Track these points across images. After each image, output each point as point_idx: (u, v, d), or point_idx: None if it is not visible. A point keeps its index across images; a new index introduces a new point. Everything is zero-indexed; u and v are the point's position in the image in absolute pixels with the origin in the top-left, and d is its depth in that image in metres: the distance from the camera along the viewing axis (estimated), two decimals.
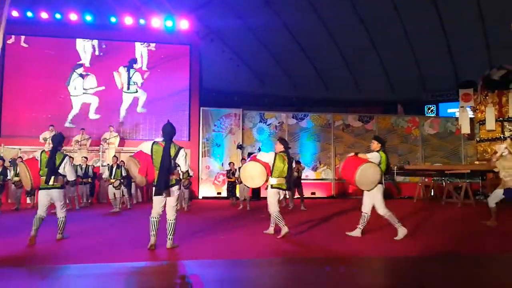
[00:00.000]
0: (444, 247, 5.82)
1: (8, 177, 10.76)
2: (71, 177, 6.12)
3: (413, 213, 10.15)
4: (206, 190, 15.47)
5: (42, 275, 4.32)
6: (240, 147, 15.56)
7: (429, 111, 20.72)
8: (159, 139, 5.57)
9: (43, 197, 5.97)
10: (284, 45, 18.49)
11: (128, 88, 15.47)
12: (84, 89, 15.16)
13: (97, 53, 15.45)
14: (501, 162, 7.81)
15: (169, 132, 5.39)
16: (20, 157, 11.62)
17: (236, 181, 12.03)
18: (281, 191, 6.43)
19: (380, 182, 6.42)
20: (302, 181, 12.11)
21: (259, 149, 15.90)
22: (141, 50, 15.81)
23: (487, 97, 14.74)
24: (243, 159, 12.69)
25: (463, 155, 17.19)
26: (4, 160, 10.98)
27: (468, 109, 15.77)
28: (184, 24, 15.73)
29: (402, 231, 6.21)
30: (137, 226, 7.58)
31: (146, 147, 5.38)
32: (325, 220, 9.19)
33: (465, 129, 15.39)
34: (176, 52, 16.00)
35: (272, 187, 6.40)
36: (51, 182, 5.88)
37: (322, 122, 16.76)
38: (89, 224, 7.85)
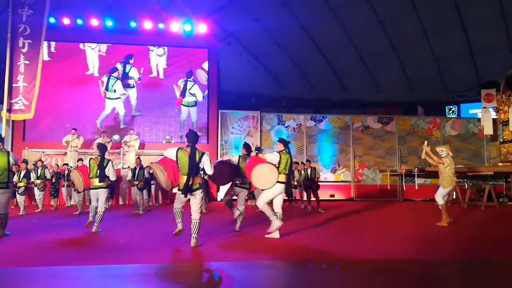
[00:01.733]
0: (466, 251, 5.70)
1: (31, 180, 11.00)
2: (113, 177, 7.28)
3: (434, 216, 9.99)
4: (224, 192, 15.49)
5: (67, 275, 4.40)
6: (258, 149, 15.40)
7: (450, 112, 20.36)
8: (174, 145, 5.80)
9: (93, 195, 7.26)
10: (302, 46, 18.46)
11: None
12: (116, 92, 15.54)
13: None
14: None
15: (192, 138, 5.71)
16: (41, 160, 11.86)
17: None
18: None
19: (281, 182, 6.36)
20: (320, 183, 12.03)
21: None
22: (156, 60, 15.98)
23: (510, 97, 14.42)
24: None
25: (486, 156, 16.84)
26: (27, 163, 11.23)
27: (491, 109, 15.47)
28: (202, 28, 15.86)
29: (276, 224, 6.36)
30: (161, 227, 7.66)
31: (171, 153, 5.68)
32: (342, 222, 9.11)
33: (488, 130, 15.08)
34: (194, 56, 16.13)
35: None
36: (100, 183, 7.03)
37: (340, 124, 16.64)
38: (113, 226, 7.96)
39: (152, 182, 11.88)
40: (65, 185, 11.80)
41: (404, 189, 15.27)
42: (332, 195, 15.73)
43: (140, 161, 11.10)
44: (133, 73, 15.74)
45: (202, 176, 5.85)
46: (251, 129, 16.02)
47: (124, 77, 15.61)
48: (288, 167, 6.41)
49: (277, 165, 6.34)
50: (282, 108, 18.15)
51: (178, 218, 5.83)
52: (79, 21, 15.15)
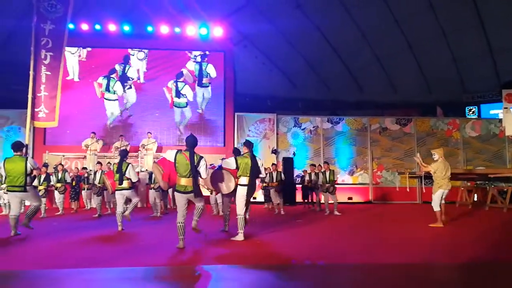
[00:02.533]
0: (489, 254, 5.56)
1: (52, 183, 11.17)
2: (134, 179, 7.86)
3: (456, 219, 9.81)
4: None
5: (86, 278, 4.44)
6: (274, 152, 15.55)
7: (470, 112, 19.96)
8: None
9: (119, 197, 7.79)
10: (317, 48, 18.36)
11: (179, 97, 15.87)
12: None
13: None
14: None
15: (192, 142, 5.87)
16: (61, 164, 12.05)
17: (269, 185, 11.99)
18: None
19: (242, 184, 6.54)
20: (337, 185, 11.92)
21: (294, 154, 15.85)
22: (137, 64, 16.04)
23: None
24: (273, 164, 12.63)
25: (508, 158, 16.46)
26: (47, 167, 11.42)
27: None
28: (218, 31, 15.94)
29: (239, 237, 6.41)
30: (174, 231, 7.66)
31: (170, 155, 5.85)
32: (359, 225, 9.02)
33: (510, 131, 14.73)
34: (210, 59, 16.20)
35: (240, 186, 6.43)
36: (123, 185, 7.69)
37: (358, 126, 16.50)
38: (132, 228, 8.02)
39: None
40: (85, 188, 11.96)
41: (424, 191, 15.02)
42: (350, 198, 15.59)
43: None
44: (132, 73, 15.86)
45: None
46: (268, 131, 16.01)
47: (123, 78, 15.77)
48: (250, 169, 6.49)
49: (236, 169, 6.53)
50: (298, 110, 18.08)
51: (181, 235, 5.82)
52: (98, 27, 15.38)
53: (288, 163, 14.79)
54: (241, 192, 6.56)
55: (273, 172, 11.74)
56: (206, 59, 16.16)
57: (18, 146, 7.02)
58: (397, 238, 7.01)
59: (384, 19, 17.07)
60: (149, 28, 15.70)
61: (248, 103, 17.99)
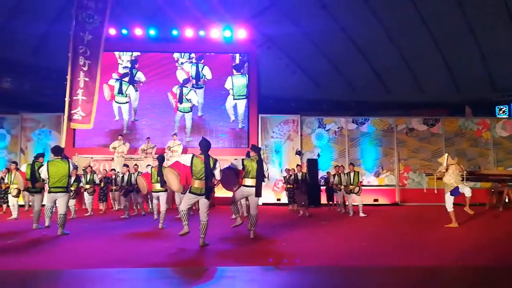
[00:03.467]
0: None
1: (81, 184, 11.46)
2: None
3: (486, 221, 9.56)
4: (266, 196, 15.49)
5: (116, 277, 4.53)
6: (299, 153, 15.51)
7: (501, 112, 19.37)
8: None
9: (155, 197, 8.88)
10: (341, 48, 18.20)
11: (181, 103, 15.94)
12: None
13: None
14: None
15: (205, 146, 6.09)
16: (90, 166, 12.34)
17: (294, 186, 11.95)
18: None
19: (246, 185, 6.81)
20: (363, 187, 11.78)
21: (318, 155, 15.76)
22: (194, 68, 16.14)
23: None
24: (298, 165, 12.59)
25: None
26: (77, 169, 11.71)
27: None
28: (241, 34, 16.01)
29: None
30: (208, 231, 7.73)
31: (186, 160, 6.10)
32: (385, 227, 8.89)
33: None
34: (234, 61, 16.28)
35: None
36: (161, 188, 8.29)
37: (384, 126, 16.27)
38: (159, 229, 8.14)
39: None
40: (113, 190, 12.20)
41: None
42: (375, 200, 15.37)
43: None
44: (140, 76, 16.05)
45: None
46: (292, 133, 15.97)
47: (131, 82, 15.97)
48: (256, 171, 6.73)
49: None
50: (322, 111, 17.96)
51: (185, 220, 6.13)
52: (124, 31, 15.69)
53: (313, 164, 14.71)
54: (241, 190, 6.87)
55: (298, 173, 11.70)
56: (202, 60, 16.16)
57: (58, 150, 7.50)
58: (424, 240, 6.88)
59: (410, 17, 16.78)
60: (174, 32, 15.89)
61: (272, 105, 18.01)
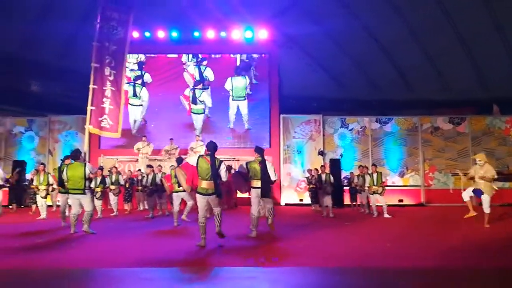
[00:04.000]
0: None
1: (107, 185, 11.69)
2: None
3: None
4: (288, 196, 15.50)
5: (141, 277, 4.60)
6: (321, 153, 15.42)
7: None
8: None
9: (176, 198, 9.13)
10: (364, 47, 17.96)
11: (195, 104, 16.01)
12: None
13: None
14: None
15: (212, 147, 6.22)
16: (115, 167, 12.57)
17: (317, 187, 11.87)
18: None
19: (254, 187, 7.10)
20: (387, 187, 11.63)
21: (341, 155, 15.63)
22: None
23: None
24: (322, 165, 12.51)
25: None
26: (103, 169, 11.96)
27: None
28: (262, 34, 16.02)
29: (253, 234, 7.00)
30: (226, 231, 7.78)
31: (192, 160, 6.25)
32: (410, 228, 8.74)
33: None
34: (257, 61, 16.30)
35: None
36: (180, 188, 8.44)
37: (408, 126, 16.01)
38: (181, 229, 8.23)
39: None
40: (138, 190, 12.39)
41: None
42: (400, 200, 15.14)
43: None
44: (147, 78, 16.19)
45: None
46: (314, 133, 15.88)
47: (143, 84, 16.12)
48: (260, 173, 6.98)
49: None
50: (344, 111, 17.78)
51: (203, 234, 6.12)
52: (147, 34, 15.91)
53: (335, 164, 14.60)
54: (253, 193, 7.09)
55: (321, 174, 11.62)
56: (205, 62, 16.21)
57: (76, 155, 7.81)
58: (450, 241, 6.73)
59: (433, 15, 16.44)
60: (196, 34, 16.01)
61: (294, 105, 17.92)
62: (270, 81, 16.14)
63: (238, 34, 16.02)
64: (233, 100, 15.95)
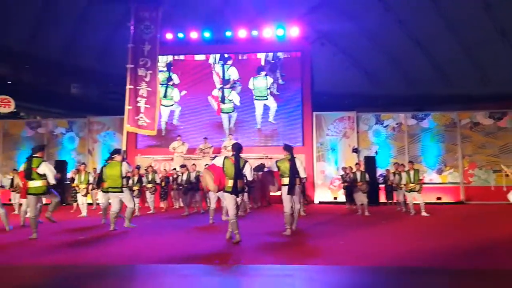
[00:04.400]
0: None
1: (144, 184, 11.99)
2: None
3: None
4: (322, 194, 15.38)
5: (179, 273, 4.70)
6: (355, 150, 15.19)
7: None
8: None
9: (213, 196, 8.88)
10: (398, 41, 17.61)
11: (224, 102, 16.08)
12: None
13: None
14: None
15: (237, 148, 6.52)
16: (151, 166, 12.87)
17: (352, 185, 11.71)
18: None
19: (284, 184, 7.23)
20: (425, 185, 11.33)
21: (376, 152, 15.36)
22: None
23: None
24: (356, 163, 12.32)
25: None
26: (139, 169, 12.27)
27: None
28: (294, 31, 15.91)
29: (287, 232, 7.10)
30: (261, 228, 7.83)
31: (219, 161, 6.51)
32: (449, 227, 8.48)
33: None
34: (287, 59, 16.22)
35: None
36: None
37: (446, 121, 15.51)
38: (216, 226, 8.34)
39: (251, 184, 12.15)
40: (174, 189, 12.65)
41: None
42: (438, 198, 14.72)
43: None
44: (174, 78, 16.30)
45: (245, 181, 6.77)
46: (347, 130, 15.66)
47: (174, 85, 16.29)
48: (289, 171, 7.13)
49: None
50: (379, 107, 17.46)
51: (236, 229, 6.36)
52: (180, 35, 16.16)
53: (370, 162, 14.35)
54: (284, 191, 7.22)
55: (356, 171, 11.46)
56: (229, 61, 16.15)
57: (115, 153, 8.13)
58: (491, 240, 6.49)
59: (470, 6, 15.85)
60: (228, 33, 16.10)
61: (326, 102, 17.77)
62: (302, 79, 16.00)
63: (269, 32, 15.97)
64: (255, 100, 15.97)
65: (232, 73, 16.18)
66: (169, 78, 16.35)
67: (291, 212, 7.25)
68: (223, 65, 16.25)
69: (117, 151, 8.23)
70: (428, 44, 17.79)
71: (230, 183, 6.38)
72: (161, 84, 15.88)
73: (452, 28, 16.97)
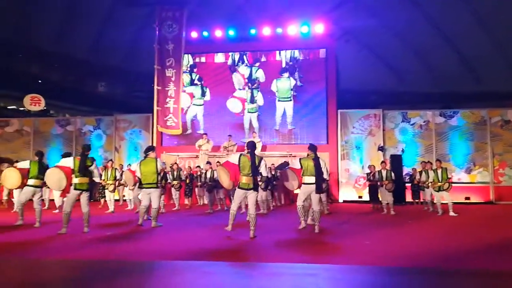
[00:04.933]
0: None
1: (169, 181, 12.13)
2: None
3: None
4: (346, 193, 15.22)
5: (203, 270, 4.74)
6: (381, 149, 14.96)
7: None
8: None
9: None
10: (426, 38, 17.22)
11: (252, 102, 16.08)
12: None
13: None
14: None
15: (252, 147, 6.74)
16: (176, 163, 13.01)
17: (377, 184, 11.54)
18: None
19: (305, 183, 7.34)
20: (453, 184, 11.07)
21: (403, 151, 15.08)
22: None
23: None
24: (382, 162, 12.13)
25: None
26: (165, 166, 12.41)
27: None
28: (319, 28, 15.76)
29: (302, 224, 7.51)
30: (285, 226, 7.82)
31: (234, 158, 6.74)
32: (478, 227, 8.26)
33: None
34: (312, 57, 16.10)
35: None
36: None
37: (475, 119, 15.08)
38: (240, 225, 8.36)
39: (274, 182, 12.16)
40: (198, 186, 12.75)
41: None
42: (467, 198, 14.35)
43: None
44: (198, 80, 16.32)
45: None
46: (373, 128, 15.43)
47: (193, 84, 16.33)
48: (315, 170, 7.20)
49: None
50: (405, 105, 17.10)
51: (231, 220, 6.80)
52: (205, 33, 16.24)
53: (397, 160, 14.11)
54: (304, 189, 7.36)
55: (382, 170, 11.29)
56: (257, 63, 16.09)
57: (149, 150, 8.23)
58: None
59: (502, 1, 15.34)
60: (252, 31, 16.09)
61: (351, 99, 17.55)
62: (327, 76, 15.83)
63: (294, 29, 15.88)
64: (278, 101, 15.89)
65: (260, 75, 16.19)
66: (200, 78, 16.47)
67: (303, 205, 7.46)
68: (251, 66, 16.22)
69: (151, 148, 8.35)
70: (457, 40, 17.33)
71: (244, 179, 6.58)
72: (195, 84, 16.08)
73: (482, 24, 16.48)
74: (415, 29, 16.85)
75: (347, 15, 16.47)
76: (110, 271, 4.72)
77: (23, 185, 8.23)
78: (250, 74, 16.21)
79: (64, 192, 7.29)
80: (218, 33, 16.17)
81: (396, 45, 17.63)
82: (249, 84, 16.12)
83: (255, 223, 6.59)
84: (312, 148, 7.51)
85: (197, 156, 14.43)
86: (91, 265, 4.97)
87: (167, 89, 11.63)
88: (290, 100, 15.80)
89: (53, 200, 11.81)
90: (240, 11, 16.54)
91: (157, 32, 11.79)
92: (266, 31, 15.97)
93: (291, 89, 15.83)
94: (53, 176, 7.16)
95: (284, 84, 15.93)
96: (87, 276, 4.51)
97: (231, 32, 16.17)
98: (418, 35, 17.05)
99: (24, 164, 8.51)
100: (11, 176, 8.24)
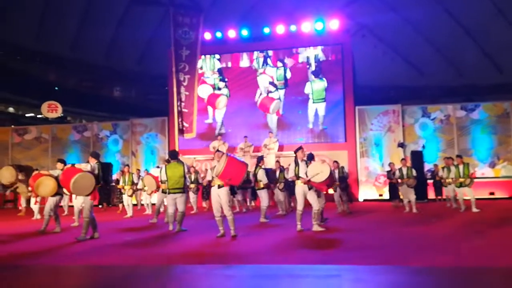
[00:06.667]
0: None
1: (187, 184, 12.04)
2: (264, 181, 9.61)
3: None
4: (366, 192, 14.92)
5: (223, 274, 4.61)
6: (401, 145, 14.61)
7: None
8: None
9: (265, 195, 9.52)
10: (445, 31, 16.83)
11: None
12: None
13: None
14: None
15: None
16: (193, 166, 12.93)
17: (398, 181, 11.24)
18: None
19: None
20: (476, 180, 10.73)
21: (423, 147, 14.72)
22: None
23: None
24: (402, 159, 11.80)
25: None
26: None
27: None
28: (334, 24, 15.50)
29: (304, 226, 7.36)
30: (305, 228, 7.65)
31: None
32: (503, 223, 7.94)
33: None
34: (328, 53, 15.84)
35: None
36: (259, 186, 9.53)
37: (498, 112, 14.62)
38: (261, 226, 8.24)
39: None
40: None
41: None
42: (491, 193, 13.91)
43: (279, 163, 11.24)
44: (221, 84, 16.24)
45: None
46: (392, 124, 15.09)
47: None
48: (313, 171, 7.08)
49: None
50: (425, 99, 16.74)
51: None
52: (219, 34, 16.14)
53: (417, 157, 13.74)
54: (298, 190, 7.30)
55: (403, 168, 10.98)
56: (281, 64, 15.92)
57: (175, 154, 8.16)
58: None
59: None
60: (266, 30, 15.92)
61: (368, 95, 17.25)
62: (343, 73, 15.54)
63: (308, 26, 15.65)
64: (313, 103, 15.61)
65: (287, 75, 16.04)
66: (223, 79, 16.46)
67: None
68: (284, 66, 16.03)
69: (176, 153, 8.26)
70: (478, 32, 16.86)
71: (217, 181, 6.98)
72: (221, 88, 16.05)
73: (504, 15, 15.99)
74: (435, 23, 16.47)
75: (362, 10, 16.18)
76: (127, 276, 4.63)
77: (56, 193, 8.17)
78: (284, 75, 16.04)
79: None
80: (232, 33, 16.07)
81: (414, 39, 17.26)
82: (283, 85, 15.94)
83: (233, 224, 6.93)
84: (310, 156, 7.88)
85: (213, 158, 14.32)
86: (117, 270, 4.91)
87: (180, 93, 11.64)
88: (324, 101, 15.53)
89: (72, 206, 11.86)
90: (252, 10, 16.41)
91: (171, 36, 11.77)
92: (280, 29, 15.78)
93: (325, 90, 15.57)
94: (86, 182, 7.13)
95: (319, 85, 15.67)
96: (103, 282, 4.44)
97: (245, 32, 16.04)
98: (437, 27, 16.66)
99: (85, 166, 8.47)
100: (47, 185, 8.11)
